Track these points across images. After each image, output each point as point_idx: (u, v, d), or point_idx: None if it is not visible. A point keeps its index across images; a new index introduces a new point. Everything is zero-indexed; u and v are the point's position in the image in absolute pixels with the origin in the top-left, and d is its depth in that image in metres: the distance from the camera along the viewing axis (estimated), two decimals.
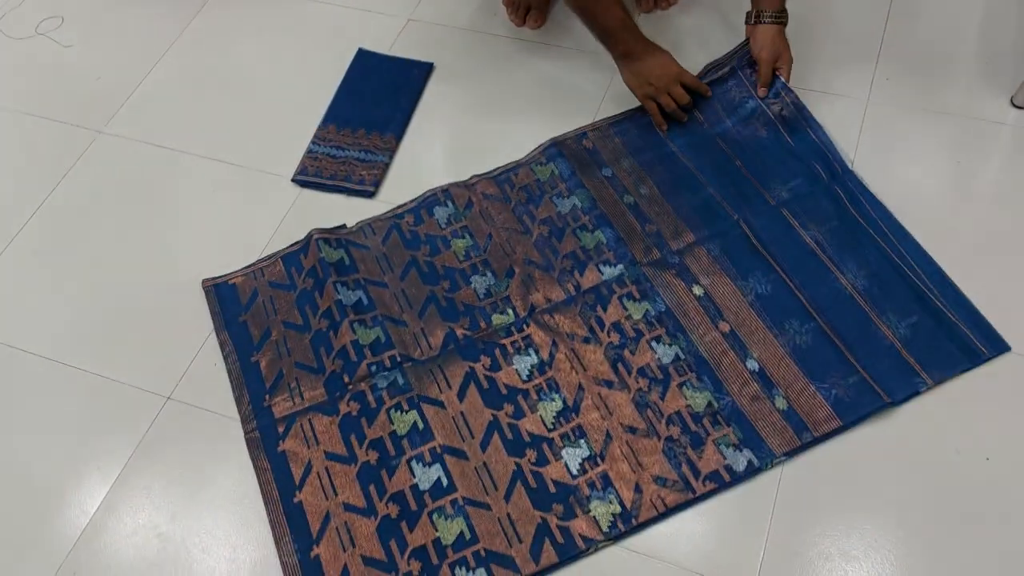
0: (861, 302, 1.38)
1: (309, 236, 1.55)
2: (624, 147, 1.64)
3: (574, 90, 1.75)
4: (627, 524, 1.22)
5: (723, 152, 1.60)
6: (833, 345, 1.34)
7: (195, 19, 2.01)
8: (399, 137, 1.72)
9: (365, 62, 1.86)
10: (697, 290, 1.43)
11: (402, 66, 1.85)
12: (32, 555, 1.27)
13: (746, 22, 1.66)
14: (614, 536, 1.21)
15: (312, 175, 1.68)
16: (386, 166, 1.67)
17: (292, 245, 1.56)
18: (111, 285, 1.56)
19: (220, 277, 1.54)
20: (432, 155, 1.70)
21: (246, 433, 1.35)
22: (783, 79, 1.62)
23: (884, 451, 1.26)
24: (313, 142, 1.73)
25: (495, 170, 1.63)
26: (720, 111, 1.66)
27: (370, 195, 1.63)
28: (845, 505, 1.22)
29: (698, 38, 1.81)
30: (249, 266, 1.55)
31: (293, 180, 1.67)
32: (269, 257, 1.56)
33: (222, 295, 1.52)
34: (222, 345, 1.46)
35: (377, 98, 1.80)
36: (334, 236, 1.56)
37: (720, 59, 1.71)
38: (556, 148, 1.64)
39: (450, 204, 1.59)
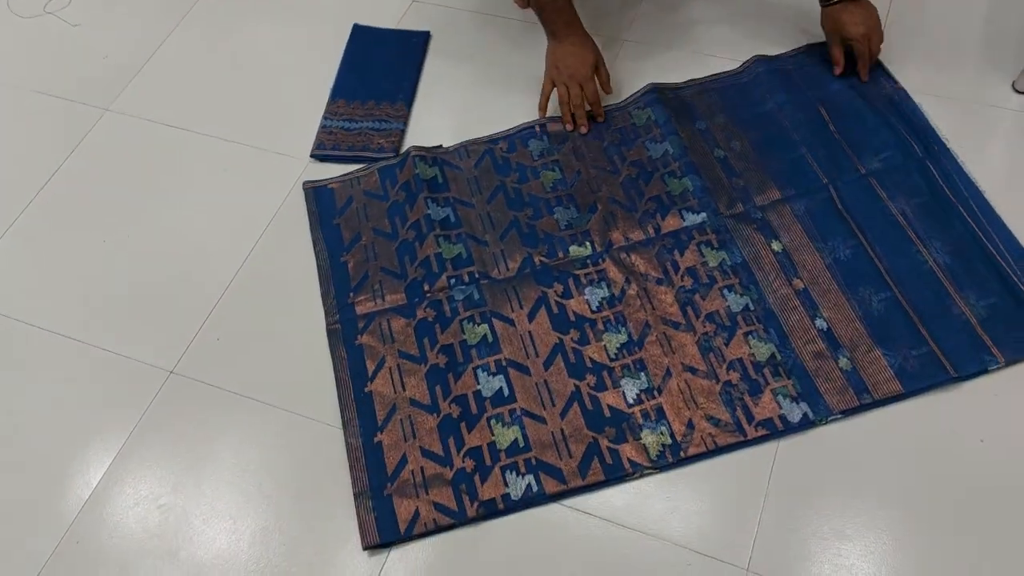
0: (941, 277, 1.38)
1: (407, 152, 1.64)
2: (722, 103, 1.66)
3: None
4: (675, 456, 1.25)
5: (820, 116, 1.61)
6: (906, 316, 1.35)
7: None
8: (409, 104, 1.74)
9: (363, 37, 1.88)
10: (776, 246, 1.44)
11: (400, 37, 1.88)
12: (36, 524, 1.28)
13: (825, 3, 1.63)
14: (660, 465, 1.24)
15: (330, 148, 1.69)
16: (402, 132, 1.70)
17: (390, 158, 1.65)
18: (117, 261, 1.57)
19: (320, 181, 1.64)
20: (443, 119, 1.72)
21: (328, 325, 1.45)
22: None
23: (879, 432, 1.26)
24: (325, 117, 1.74)
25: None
26: (820, 75, 1.68)
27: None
28: (839, 485, 1.22)
29: (707, 26, 1.81)
30: (347, 174, 1.65)
31: (312, 156, 1.69)
32: (367, 167, 1.65)
33: (320, 197, 1.62)
34: (315, 243, 1.55)
35: (380, 70, 1.82)
36: (431, 155, 1.64)
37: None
38: (656, 94, 1.66)
39: (545, 139, 1.64)
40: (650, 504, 1.23)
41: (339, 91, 1.78)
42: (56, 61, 1.94)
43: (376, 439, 1.31)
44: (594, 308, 1.41)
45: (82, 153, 1.75)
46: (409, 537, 1.22)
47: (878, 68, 1.66)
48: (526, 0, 1.78)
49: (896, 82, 1.63)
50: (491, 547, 1.22)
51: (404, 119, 1.72)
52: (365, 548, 1.22)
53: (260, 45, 1.90)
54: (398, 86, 1.77)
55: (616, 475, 1.24)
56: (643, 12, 1.85)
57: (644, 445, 1.26)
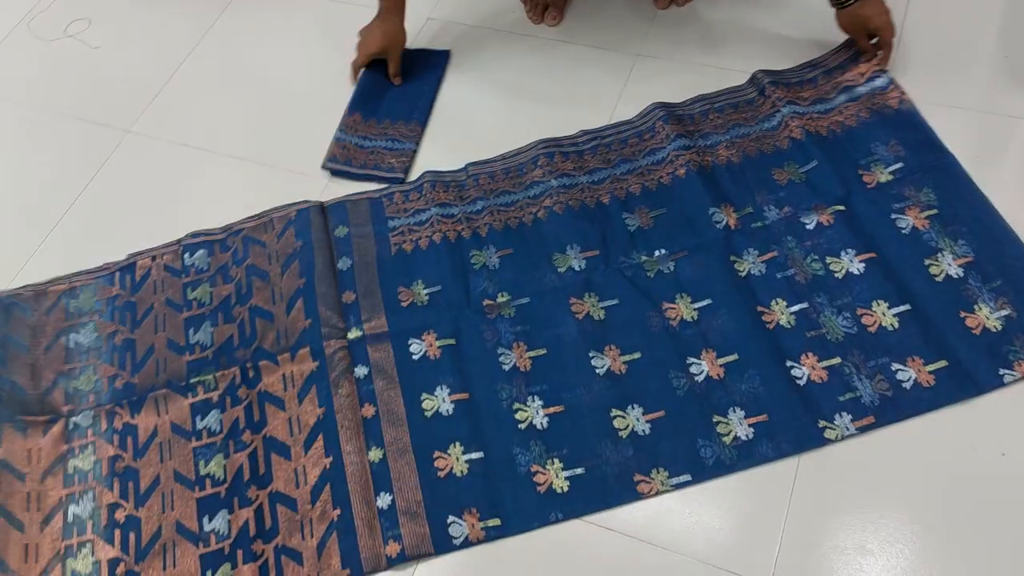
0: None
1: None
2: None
3: (591, 86, 1.75)
4: None
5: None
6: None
7: (218, 20, 2.03)
8: (423, 124, 1.74)
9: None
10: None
11: (421, 56, 1.86)
12: None
13: (840, 4, 1.62)
14: None
15: (343, 163, 1.68)
16: (413, 152, 1.69)
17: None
18: None
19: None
20: (456, 140, 1.72)
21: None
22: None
23: (899, 447, 1.26)
24: (340, 129, 1.74)
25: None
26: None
27: (400, 181, 1.65)
28: (860, 500, 1.21)
29: (720, 33, 1.81)
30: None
31: (323, 167, 1.68)
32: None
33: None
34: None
35: (399, 88, 1.81)
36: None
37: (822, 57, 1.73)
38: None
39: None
40: (672, 520, 1.23)
41: (356, 105, 1.78)
42: (77, 83, 1.96)
43: None
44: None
45: (105, 175, 1.76)
46: None
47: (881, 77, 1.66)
48: (540, 15, 1.80)
49: (903, 92, 1.63)
50: (512, 565, 1.23)
51: (417, 138, 1.72)
52: None
53: (277, 66, 1.92)
54: (414, 105, 1.77)
55: None
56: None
57: None
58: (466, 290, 1.47)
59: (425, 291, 1.48)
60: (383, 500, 1.28)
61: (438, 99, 1.80)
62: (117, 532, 1.28)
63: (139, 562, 1.26)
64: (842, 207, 1.48)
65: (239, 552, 1.24)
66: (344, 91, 1.81)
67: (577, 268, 1.47)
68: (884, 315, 1.35)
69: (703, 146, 1.60)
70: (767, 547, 1.19)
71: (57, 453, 1.36)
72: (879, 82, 1.64)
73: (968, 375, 1.28)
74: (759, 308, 1.40)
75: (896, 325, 1.35)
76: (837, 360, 1.33)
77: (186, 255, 1.54)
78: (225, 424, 1.36)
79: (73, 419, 1.39)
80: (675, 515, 1.23)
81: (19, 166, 1.81)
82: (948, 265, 1.39)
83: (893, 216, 1.46)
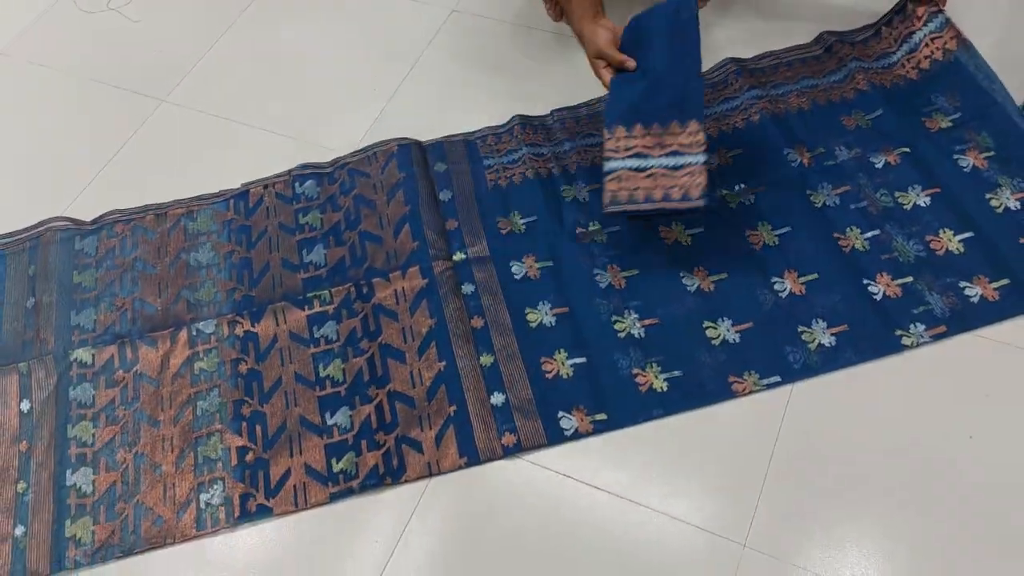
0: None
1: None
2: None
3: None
4: None
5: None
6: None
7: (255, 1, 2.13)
8: (702, 119, 1.45)
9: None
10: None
11: (659, 17, 1.51)
12: None
13: None
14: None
15: (626, 202, 1.46)
16: (704, 165, 1.42)
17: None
18: None
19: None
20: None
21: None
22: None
23: (872, 425, 1.34)
24: (606, 157, 1.48)
25: None
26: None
27: (698, 209, 1.45)
28: (834, 476, 1.30)
29: (728, 39, 1.90)
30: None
31: (606, 211, 1.47)
32: None
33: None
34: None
35: (651, 74, 1.50)
36: None
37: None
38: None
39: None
40: (654, 481, 1.32)
41: (613, 116, 1.51)
42: (117, 54, 2.04)
43: None
44: None
45: (138, 140, 1.84)
46: None
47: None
48: (559, 12, 1.94)
49: (959, 32, 1.71)
50: (497, 523, 1.31)
51: (702, 146, 1.43)
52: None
53: (312, 43, 2.00)
54: (683, 94, 1.46)
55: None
56: None
57: None
58: (560, 219, 1.58)
59: (522, 221, 1.59)
60: (496, 398, 1.39)
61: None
62: (244, 424, 1.39)
63: (267, 450, 1.36)
64: (907, 149, 1.60)
65: (362, 442, 1.35)
66: (379, 68, 1.91)
67: None
68: (951, 240, 1.48)
69: (775, 95, 1.71)
70: (744, 510, 1.28)
71: (184, 357, 1.46)
72: (935, 23, 1.72)
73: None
74: (835, 235, 1.51)
75: (962, 249, 1.47)
76: (910, 279, 1.45)
77: (296, 184, 1.65)
78: (342, 334, 1.46)
79: (196, 326, 1.49)
80: (655, 483, 1.32)
81: (59, 128, 1.90)
82: (1007, 199, 1.52)
83: (955, 156, 1.58)
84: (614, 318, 1.47)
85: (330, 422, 1.38)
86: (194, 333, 1.48)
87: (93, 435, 1.40)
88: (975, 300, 1.42)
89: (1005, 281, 1.43)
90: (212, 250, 1.59)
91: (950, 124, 1.63)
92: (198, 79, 1.95)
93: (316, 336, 1.47)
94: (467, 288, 1.52)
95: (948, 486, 1.27)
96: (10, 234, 1.65)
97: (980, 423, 1.33)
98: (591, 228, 1.57)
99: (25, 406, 1.43)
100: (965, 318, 1.41)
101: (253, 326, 1.48)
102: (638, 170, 1.46)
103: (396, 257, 1.54)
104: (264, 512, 1.31)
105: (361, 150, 1.71)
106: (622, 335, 1.45)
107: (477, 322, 1.48)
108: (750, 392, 1.38)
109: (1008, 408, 1.34)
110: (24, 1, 2.18)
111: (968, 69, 1.67)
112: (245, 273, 1.55)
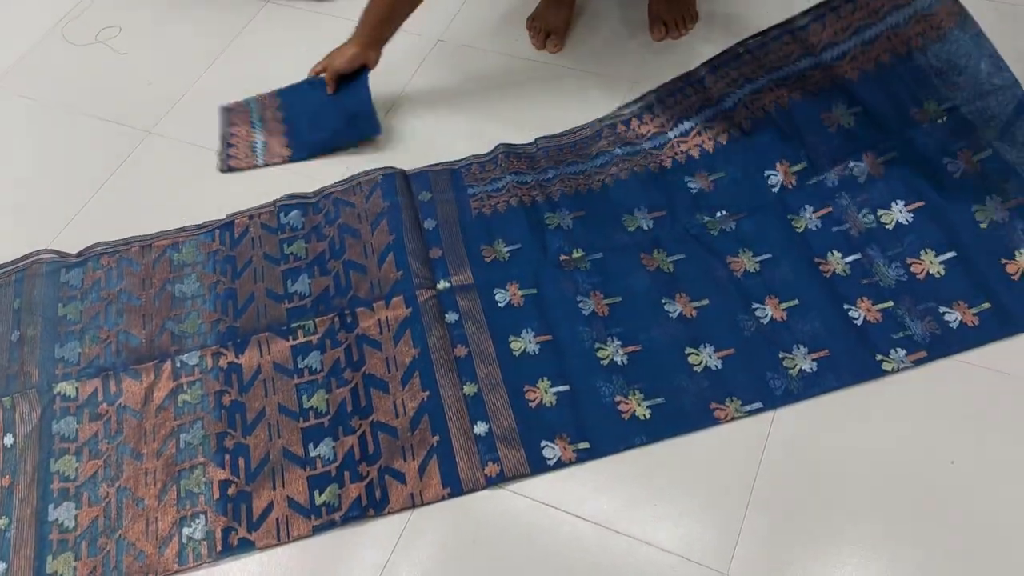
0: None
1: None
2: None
3: (587, 107, 1.85)
4: None
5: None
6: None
7: (241, 34, 2.13)
8: (292, 159, 1.83)
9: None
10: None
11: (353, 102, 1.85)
12: None
13: None
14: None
15: (224, 122, 1.89)
16: (250, 166, 1.83)
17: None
18: None
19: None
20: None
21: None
22: None
23: (856, 449, 1.35)
24: (254, 98, 1.93)
25: None
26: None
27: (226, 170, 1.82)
28: (818, 500, 1.31)
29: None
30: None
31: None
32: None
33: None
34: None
35: (315, 116, 1.87)
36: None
37: None
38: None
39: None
40: (638, 510, 1.32)
41: (283, 93, 1.93)
42: (104, 86, 2.05)
43: None
44: None
45: (125, 171, 1.85)
46: None
47: None
48: (543, 41, 1.96)
49: None
50: (480, 554, 1.31)
51: (270, 162, 1.82)
52: None
53: (295, 78, 1.97)
54: (305, 141, 1.85)
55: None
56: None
57: None
58: (543, 247, 1.59)
59: (506, 248, 1.60)
60: (480, 428, 1.39)
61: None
62: (227, 457, 1.38)
63: (249, 483, 1.35)
64: (893, 154, 1.57)
65: (345, 474, 1.35)
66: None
67: (646, 228, 1.60)
68: (932, 263, 1.48)
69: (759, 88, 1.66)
70: (727, 539, 1.28)
71: (168, 389, 1.46)
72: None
73: (1009, 316, 1.42)
74: (816, 259, 1.52)
75: (942, 272, 1.47)
76: (890, 304, 1.45)
77: (281, 214, 1.66)
78: (325, 364, 1.46)
79: (180, 358, 1.49)
80: (643, 505, 1.32)
81: (46, 159, 1.91)
82: (995, 211, 1.49)
83: (945, 160, 1.53)
84: (596, 345, 1.47)
85: (313, 453, 1.38)
86: (178, 365, 1.48)
87: (76, 469, 1.39)
88: (955, 326, 1.42)
89: (986, 305, 1.43)
90: (197, 281, 1.59)
91: (944, 117, 1.52)
92: (184, 111, 1.96)
93: (300, 367, 1.47)
94: (451, 317, 1.52)
95: (931, 512, 1.27)
96: None
97: (962, 448, 1.33)
98: (575, 255, 1.57)
99: (8, 440, 1.43)
100: (945, 343, 1.42)
101: (237, 357, 1.48)
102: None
103: (380, 286, 1.54)
104: (246, 546, 1.31)
105: (346, 179, 1.72)
106: (605, 362, 1.45)
107: (460, 351, 1.48)
108: (732, 419, 1.38)
109: (989, 432, 1.35)
110: (13, 34, 2.20)
111: (967, 30, 1.48)
112: (230, 304, 1.55)
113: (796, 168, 1.62)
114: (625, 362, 1.45)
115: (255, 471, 1.36)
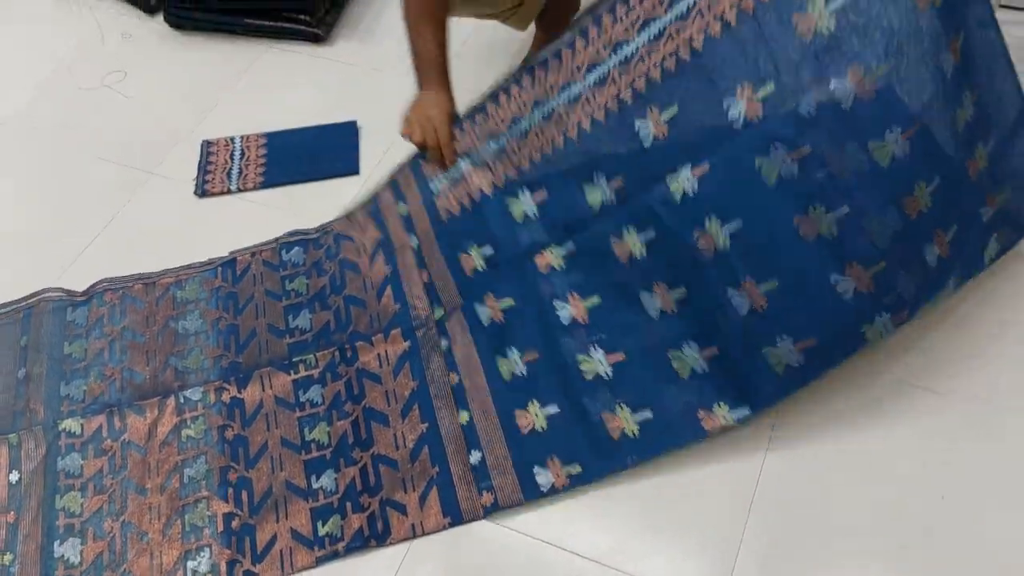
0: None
1: None
2: None
3: None
4: None
5: None
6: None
7: (244, 77, 2.18)
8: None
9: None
10: None
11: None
12: None
13: None
14: None
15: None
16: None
17: None
18: None
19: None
20: None
21: None
22: None
23: (852, 482, 1.36)
24: None
25: None
26: None
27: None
28: (811, 537, 1.32)
29: None
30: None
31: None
32: None
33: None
34: None
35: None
36: None
37: None
38: None
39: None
40: (632, 545, 1.34)
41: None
42: (110, 128, 2.09)
43: None
44: None
45: (129, 211, 1.88)
46: None
47: None
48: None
49: None
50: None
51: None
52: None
53: (294, 122, 2.03)
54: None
55: None
56: None
57: None
58: (515, 244, 1.54)
59: (481, 253, 1.57)
60: (475, 457, 1.41)
61: None
62: (230, 490, 1.40)
63: (253, 516, 1.37)
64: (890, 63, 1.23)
65: (347, 505, 1.37)
66: (365, 138, 1.97)
67: (607, 200, 1.44)
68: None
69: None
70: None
71: (171, 424, 1.48)
72: None
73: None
74: (796, 219, 1.27)
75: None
76: (883, 264, 1.27)
77: (283, 251, 1.69)
78: (326, 397, 1.48)
79: (183, 393, 1.51)
80: (637, 539, 1.34)
81: (53, 199, 1.95)
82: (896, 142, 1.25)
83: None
84: (580, 357, 1.45)
85: (315, 485, 1.39)
86: (182, 400, 1.50)
87: (81, 505, 1.41)
88: (933, 264, 1.32)
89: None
90: (200, 318, 1.62)
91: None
92: (187, 152, 1.99)
93: (302, 400, 1.49)
94: (443, 343, 1.53)
95: (927, 548, 1.29)
96: (3, 304, 1.68)
97: (952, 484, 1.34)
98: (549, 252, 1.51)
99: (14, 477, 1.45)
100: (929, 289, 1.34)
101: (239, 392, 1.50)
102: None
103: (379, 320, 1.56)
104: None
105: (346, 214, 1.74)
106: (589, 376, 1.44)
107: (453, 378, 1.50)
108: (721, 427, 1.36)
109: (978, 467, 1.36)
110: (23, 76, 2.25)
111: None
112: (232, 339, 1.58)
113: (760, 95, 1.30)
114: (609, 374, 1.43)
115: (259, 504, 1.38)
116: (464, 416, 1.45)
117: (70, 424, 1.49)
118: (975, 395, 1.43)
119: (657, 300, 1.42)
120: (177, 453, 1.45)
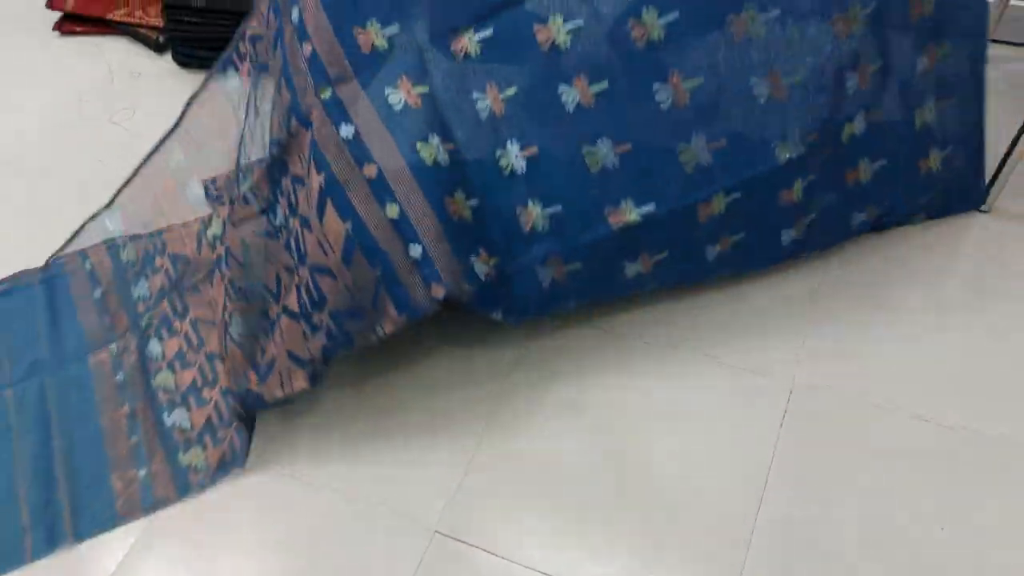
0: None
1: None
2: None
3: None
4: None
5: None
6: None
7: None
8: None
9: None
10: None
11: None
12: None
13: None
14: None
15: None
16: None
17: None
18: None
19: None
20: None
21: None
22: None
23: (846, 522, 1.42)
24: None
25: None
26: None
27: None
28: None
29: None
30: None
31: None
32: None
33: None
34: None
35: None
36: None
37: None
38: None
39: None
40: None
41: None
42: (114, 163, 2.15)
43: None
44: None
45: None
46: None
47: None
48: None
49: None
50: None
51: None
52: None
53: None
54: None
55: None
56: None
57: None
58: (427, 24, 1.39)
59: (383, 32, 1.39)
60: (414, 250, 1.38)
61: None
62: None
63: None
64: None
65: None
66: None
67: None
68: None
69: None
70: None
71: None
72: None
73: None
74: (729, 15, 1.34)
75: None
76: (798, 78, 1.38)
77: None
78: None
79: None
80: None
81: (60, 234, 2.03)
82: None
83: None
84: (498, 152, 1.40)
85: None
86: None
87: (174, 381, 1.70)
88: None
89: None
90: None
91: None
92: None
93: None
94: (346, 131, 1.39)
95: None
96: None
97: (950, 513, 1.41)
98: (464, 35, 1.41)
99: (120, 377, 1.72)
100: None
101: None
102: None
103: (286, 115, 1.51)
104: None
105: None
106: (506, 172, 1.41)
107: (370, 170, 1.37)
108: (625, 225, 1.41)
109: (976, 497, 1.43)
110: (32, 111, 2.42)
111: None
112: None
113: None
114: (523, 169, 1.41)
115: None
116: (393, 209, 1.37)
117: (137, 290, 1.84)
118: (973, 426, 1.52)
119: (576, 92, 1.39)
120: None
